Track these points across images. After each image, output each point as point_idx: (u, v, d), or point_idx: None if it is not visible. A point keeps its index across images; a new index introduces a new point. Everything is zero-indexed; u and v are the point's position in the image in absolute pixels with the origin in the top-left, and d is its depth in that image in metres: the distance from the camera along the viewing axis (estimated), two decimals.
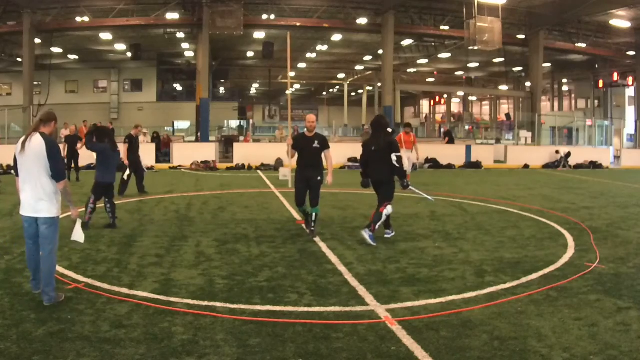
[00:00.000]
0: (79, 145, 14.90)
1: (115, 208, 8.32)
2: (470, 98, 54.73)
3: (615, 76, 31.58)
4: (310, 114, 8.14)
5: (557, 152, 24.29)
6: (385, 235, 7.57)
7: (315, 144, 7.70)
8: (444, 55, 33.30)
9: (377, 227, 7.17)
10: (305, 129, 7.83)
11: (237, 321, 4.29)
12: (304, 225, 8.05)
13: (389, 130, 7.76)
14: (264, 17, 25.36)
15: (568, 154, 23.80)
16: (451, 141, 25.51)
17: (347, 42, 31.77)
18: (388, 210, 7.25)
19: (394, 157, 7.22)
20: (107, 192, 8.27)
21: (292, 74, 44.66)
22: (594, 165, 24.19)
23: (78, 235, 5.20)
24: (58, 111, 6.25)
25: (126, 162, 11.70)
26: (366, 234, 7.09)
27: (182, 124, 38.43)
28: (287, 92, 7.55)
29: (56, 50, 29.93)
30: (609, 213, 10.10)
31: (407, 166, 13.79)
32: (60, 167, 4.73)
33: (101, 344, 3.78)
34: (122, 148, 11.47)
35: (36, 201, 4.62)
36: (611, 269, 5.93)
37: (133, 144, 12.27)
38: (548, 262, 6.19)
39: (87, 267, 5.86)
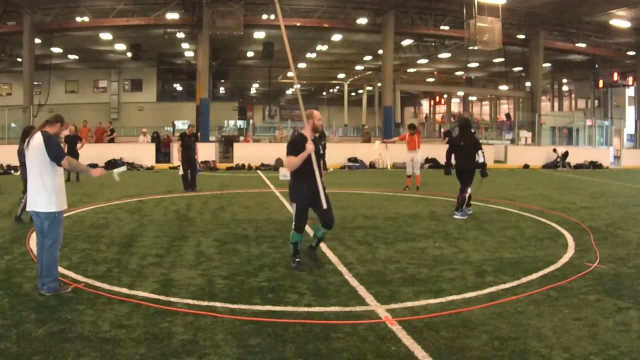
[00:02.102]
0: (78, 145, 14.90)
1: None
2: (470, 98, 54.76)
3: (615, 76, 31.58)
4: (316, 111, 6.15)
5: (554, 150, 24.29)
6: (455, 216, 9.21)
7: (320, 149, 5.94)
8: (444, 55, 33.29)
9: (463, 207, 9.29)
10: (306, 129, 5.92)
11: (237, 321, 4.29)
12: (295, 262, 5.91)
13: (472, 130, 9.83)
14: (264, 17, 25.36)
15: (565, 154, 23.78)
16: None
17: (347, 42, 31.76)
18: (468, 192, 9.31)
19: (480, 153, 9.26)
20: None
21: (290, 74, 44.76)
22: (594, 165, 24.19)
23: (116, 173, 5.28)
24: (58, 111, 6.28)
25: (178, 159, 13.11)
26: (457, 215, 9.19)
27: (182, 124, 38.44)
28: (294, 87, 7.14)
29: (56, 50, 29.93)
30: (609, 213, 10.10)
31: (410, 168, 13.77)
32: (57, 151, 4.92)
33: (101, 344, 3.78)
34: (175, 146, 13.23)
35: (36, 196, 4.90)
36: (611, 269, 5.93)
37: (185, 142, 13.13)
38: (548, 262, 6.19)
39: (87, 267, 5.86)
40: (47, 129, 5.02)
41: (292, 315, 4.45)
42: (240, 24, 23.37)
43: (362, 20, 25.97)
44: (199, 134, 25.21)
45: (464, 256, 6.54)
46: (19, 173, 11.76)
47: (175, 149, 13.45)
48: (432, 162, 22.47)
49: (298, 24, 25.85)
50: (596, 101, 37.79)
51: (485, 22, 23.18)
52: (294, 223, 5.82)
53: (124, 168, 5.37)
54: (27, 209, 4.99)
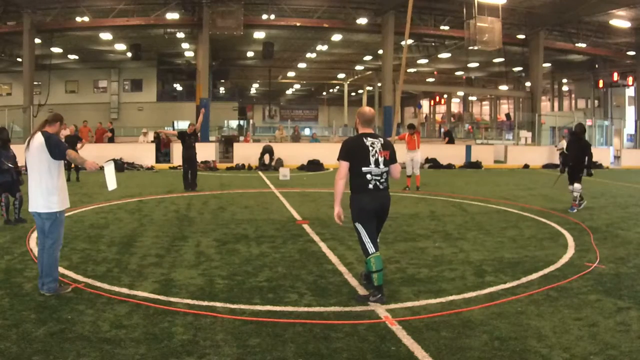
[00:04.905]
0: (79, 145, 14.90)
1: (9, 206, 8.48)
2: (470, 98, 54.74)
3: (615, 76, 31.55)
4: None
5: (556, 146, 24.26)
6: (570, 210, 10.06)
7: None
8: (444, 55, 33.28)
9: (576, 202, 10.17)
10: (361, 128, 4.90)
11: (237, 321, 4.29)
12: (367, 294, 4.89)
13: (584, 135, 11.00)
14: (264, 17, 25.35)
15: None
16: (451, 141, 25.50)
17: (347, 42, 31.76)
18: (574, 188, 10.23)
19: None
20: (4, 189, 8.50)
21: (291, 73, 44.76)
22: (594, 165, 24.15)
23: (110, 182, 5.11)
24: (58, 111, 6.28)
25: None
26: (571, 210, 10.12)
27: (182, 124, 38.46)
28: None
29: (56, 50, 29.93)
30: (609, 213, 10.11)
31: (410, 168, 13.77)
32: (60, 148, 4.92)
33: (101, 344, 3.78)
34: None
35: (37, 196, 4.90)
36: (611, 269, 5.93)
37: (185, 140, 13.21)
38: (548, 262, 6.19)
39: (87, 267, 5.86)
40: (47, 129, 5.02)
41: (292, 315, 4.45)
42: (240, 24, 23.36)
43: (362, 20, 25.97)
44: (199, 134, 25.29)
45: (464, 256, 6.53)
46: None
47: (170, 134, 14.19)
48: (432, 162, 22.45)
49: (298, 24, 25.85)
50: (596, 101, 37.78)
51: (485, 22, 23.18)
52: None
53: (110, 168, 5.05)
54: (29, 209, 4.98)
